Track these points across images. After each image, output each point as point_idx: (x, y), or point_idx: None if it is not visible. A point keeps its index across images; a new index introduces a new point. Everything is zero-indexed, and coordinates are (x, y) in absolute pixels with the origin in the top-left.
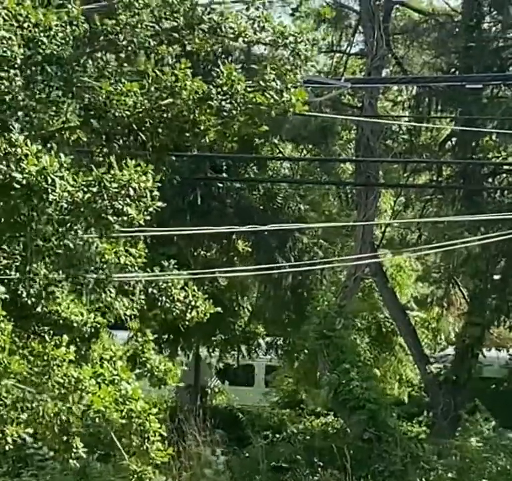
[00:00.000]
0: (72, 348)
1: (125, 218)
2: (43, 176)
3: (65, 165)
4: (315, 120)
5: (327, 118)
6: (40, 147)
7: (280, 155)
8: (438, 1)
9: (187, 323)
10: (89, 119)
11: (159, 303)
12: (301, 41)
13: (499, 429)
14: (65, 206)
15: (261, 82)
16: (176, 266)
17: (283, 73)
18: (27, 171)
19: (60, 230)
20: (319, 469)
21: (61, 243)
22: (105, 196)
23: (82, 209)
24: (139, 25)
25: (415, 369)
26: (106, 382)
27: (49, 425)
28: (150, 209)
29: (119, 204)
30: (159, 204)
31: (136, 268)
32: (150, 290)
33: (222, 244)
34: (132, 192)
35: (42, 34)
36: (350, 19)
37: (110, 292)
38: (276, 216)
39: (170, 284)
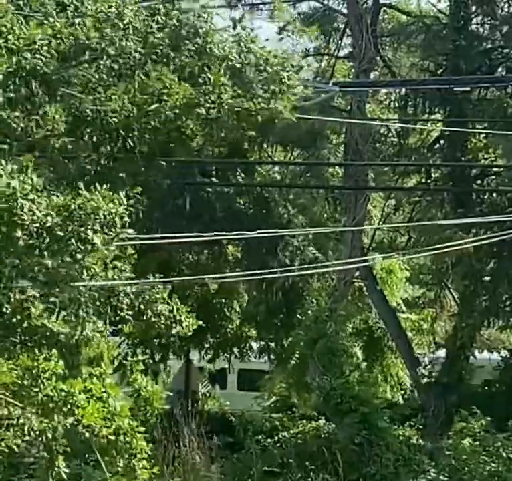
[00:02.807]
0: (61, 362)
1: (89, 246)
2: (13, 200)
3: (37, 187)
4: (304, 124)
5: (315, 122)
6: (15, 166)
7: (269, 159)
8: (425, 3)
9: (172, 337)
10: (76, 126)
11: (144, 317)
12: (286, 69)
13: (492, 431)
14: (34, 230)
15: (249, 91)
16: (163, 276)
17: (266, 90)
18: None
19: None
20: (311, 473)
21: (39, 262)
22: (71, 222)
23: (50, 234)
24: (125, 39)
25: (406, 372)
26: (95, 398)
27: (34, 442)
28: (121, 236)
29: (86, 232)
30: (130, 231)
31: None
32: (136, 304)
33: (212, 249)
34: (101, 219)
35: (26, 48)
36: (338, 22)
37: (87, 311)
38: (265, 220)
39: (155, 297)
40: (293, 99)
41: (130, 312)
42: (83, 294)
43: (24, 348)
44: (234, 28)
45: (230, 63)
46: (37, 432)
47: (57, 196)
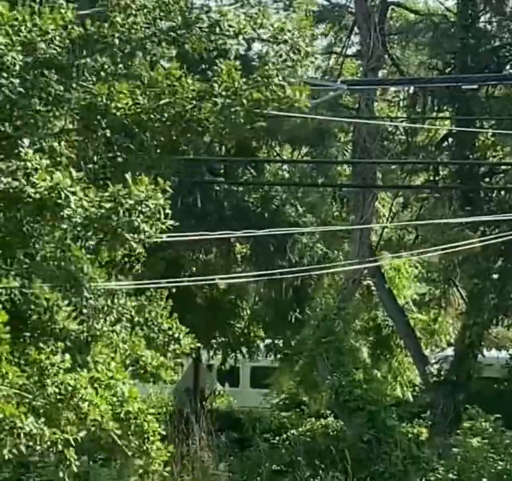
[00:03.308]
0: (67, 356)
1: (141, 235)
2: (56, 192)
3: (76, 180)
4: (312, 122)
5: (323, 120)
6: (48, 161)
7: (277, 158)
8: (433, 1)
9: (169, 354)
10: (89, 120)
11: (143, 333)
12: (301, 37)
13: (501, 429)
14: (79, 221)
15: (261, 78)
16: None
17: (283, 68)
18: (38, 186)
19: (66, 243)
20: (320, 471)
21: (62, 261)
22: (120, 212)
23: (96, 224)
24: (134, 27)
25: (415, 370)
26: (102, 386)
27: (45, 453)
28: (163, 226)
29: (136, 221)
30: (170, 222)
31: (124, 294)
32: (136, 319)
33: (221, 248)
34: (145, 209)
35: (39, 38)
36: (346, 20)
37: (110, 321)
38: (273, 218)
39: (156, 312)
40: (307, 90)
41: (128, 325)
42: (97, 297)
43: (32, 344)
44: (242, 6)
45: (245, 36)
46: (48, 443)
47: (101, 188)
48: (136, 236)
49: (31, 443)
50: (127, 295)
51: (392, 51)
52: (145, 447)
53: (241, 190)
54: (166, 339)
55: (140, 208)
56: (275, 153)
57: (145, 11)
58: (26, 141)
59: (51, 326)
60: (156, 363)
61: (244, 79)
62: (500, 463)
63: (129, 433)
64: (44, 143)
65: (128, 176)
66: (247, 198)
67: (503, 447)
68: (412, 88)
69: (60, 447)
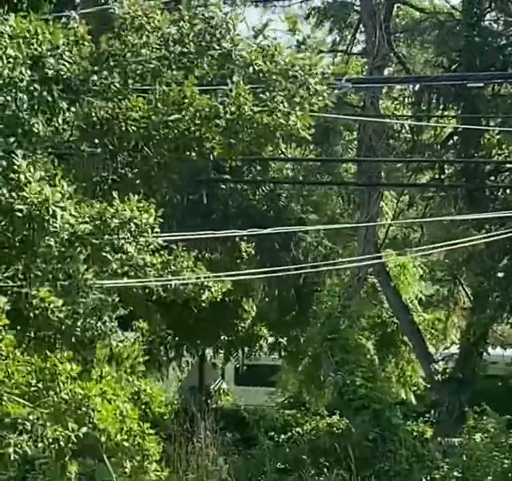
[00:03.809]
0: (75, 366)
1: (123, 255)
2: (45, 207)
3: (67, 195)
4: (318, 120)
5: (329, 118)
6: (43, 173)
7: (282, 156)
8: None
9: (202, 304)
10: (94, 133)
11: (172, 286)
12: (312, 74)
13: (505, 428)
14: (66, 237)
15: (269, 103)
16: (184, 249)
17: (291, 97)
18: (29, 201)
19: (57, 260)
20: (325, 469)
21: (61, 268)
22: (105, 230)
23: (82, 241)
24: (146, 47)
25: (420, 368)
26: (106, 400)
27: (46, 450)
28: (151, 246)
29: (120, 240)
30: (159, 241)
31: (148, 254)
32: (163, 274)
33: (226, 246)
34: (133, 228)
35: (49, 53)
36: (351, 18)
37: (110, 318)
38: (278, 216)
39: (181, 266)
40: (310, 119)
41: (158, 284)
42: (104, 299)
43: (37, 344)
44: (255, 37)
45: (256, 68)
46: (50, 440)
47: (90, 205)
48: (118, 256)
49: (29, 443)
50: (151, 254)
51: (397, 49)
52: (144, 466)
53: (246, 188)
54: (196, 289)
55: (128, 227)
56: (280, 151)
57: (159, 33)
58: (19, 153)
59: (56, 325)
60: (150, 391)
61: (250, 104)
62: (505, 461)
63: (126, 451)
64: (41, 156)
65: (115, 194)
66: (252, 196)
67: (508, 446)
68: (417, 86)
69: (62, 444)
